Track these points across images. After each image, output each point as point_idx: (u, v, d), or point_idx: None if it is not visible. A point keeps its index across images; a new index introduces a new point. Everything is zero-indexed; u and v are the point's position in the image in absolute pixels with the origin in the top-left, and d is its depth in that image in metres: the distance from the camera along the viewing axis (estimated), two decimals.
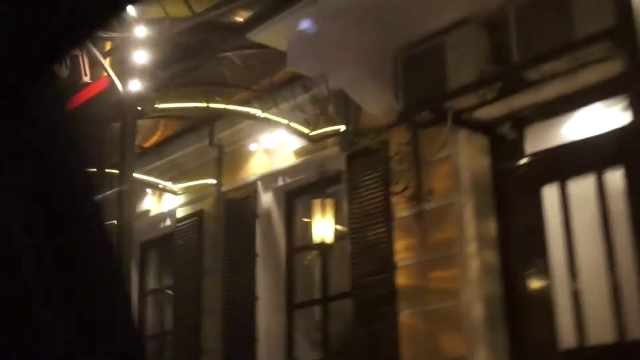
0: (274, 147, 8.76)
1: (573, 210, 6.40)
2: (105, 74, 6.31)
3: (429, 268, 6.96)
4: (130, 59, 6.25)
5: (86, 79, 6.20)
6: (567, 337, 6.21)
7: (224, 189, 9.36)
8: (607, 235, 6.12)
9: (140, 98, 6.24)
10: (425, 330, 6.83)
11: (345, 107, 7.82)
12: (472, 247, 6.68)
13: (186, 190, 9.67)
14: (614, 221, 6.11)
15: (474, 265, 6.63)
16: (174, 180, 9.58)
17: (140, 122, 7.27)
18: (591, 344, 6.06)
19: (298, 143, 8.45)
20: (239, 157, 9.28)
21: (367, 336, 7.17)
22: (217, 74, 7.43)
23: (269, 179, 8.94)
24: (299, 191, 8.91)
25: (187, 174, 9.65)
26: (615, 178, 6.17)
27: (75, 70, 6.10)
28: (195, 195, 9.66)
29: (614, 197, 6.15)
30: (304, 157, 8.51)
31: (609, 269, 6.06)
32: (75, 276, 0.82)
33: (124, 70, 6.33)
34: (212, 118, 9.10)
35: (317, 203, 7.20)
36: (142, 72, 6.24)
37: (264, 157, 8.95)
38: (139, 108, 6.30)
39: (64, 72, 5.84)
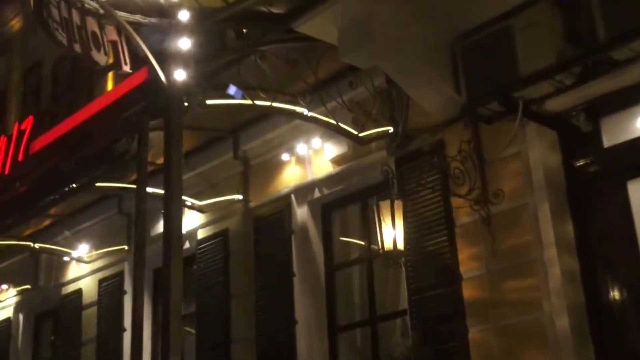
0: (308, 155, 8.27)
1: None
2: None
3: (501, 278, 6.45)
4: (173, 47, 5.74)
5: (126, 68, 5.74)
6: None
7: (252, 204, 8.82)
8: None
9: (186, 91, 5.72)
10: (502, 347, 6.29)
11: (391, 106, 7.34)
12: (551, 252, 6.17)
13: (210, 208, 9.12)
14: None
15: (554, 272, 6.11)
16: (197, 196, 9.02)
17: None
18: None
19: (335, 149, 7.96)
20: (269, 169, 8.81)
21: (432, 357, 6.60)
22: (257, 71, 6.93)
23: (303, 191, 8.44)
24: (337, 203, 8.37)
25: (209, 190, 9.12)
26: None
27: (116, 57, 5.64)
28: (219, 213, 9.11)
29: None
30: (344, 165, 8.01)
31: None
32: None
33: (165, 60, 5.79)
34: (237, 128, 8.64)
35: (385, 203, 6.60)
36: (187, 63, 5.73)
37: (297, 167, 8.45)
38: (186, 103, 5.74)
39: (102, 58, 5.42)
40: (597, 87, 6.14)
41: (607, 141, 6.36)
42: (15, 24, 14.85)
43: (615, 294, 6.08)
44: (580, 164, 6.47)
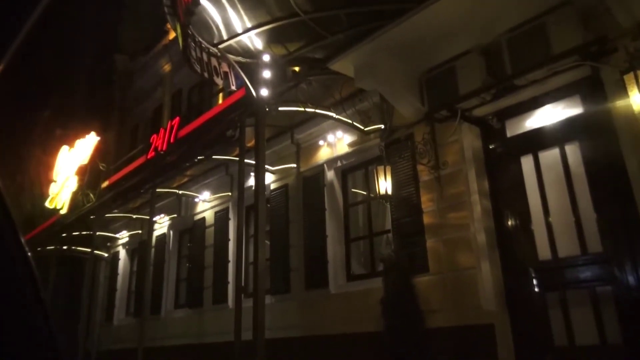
0: (334, 141, 8.15)
1: (544, 171, 5.78)
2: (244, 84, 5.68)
3: (446, 212, 6.34)
4: (260, 76, 5.63)
5: (233, 87, 5.66)
6: (543, 252, 5.59)
7: (301, 170, 8.75)
8: (569, 183, 5.52)
9: (267, 102, 5.62)
10: (446, 251, 6.20)
11: (383, 113, 7.21)
12: (475, 197, 6.07)
13: (277, 171, 9.06)
14: (573, 175, 5.51)
15: (476, 209, 6.02)
16: (271, 164, 8.95)
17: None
18: (562, 256, 5.40)
19: (350, 138, 7.86)
20: (311, 149, 8.66)
21: (405, 257, 6.52)
22: (306, 92, 6.82)
23: (331, 162, 8.29)
24: (350, 169, 8.24)
25: (278, 161, 9.06)
26: (573, 148, 5.57)
27: (226, 81, 5.54)
28: (283, 174, 9.06)
29: (572, 160, 5.57)
30: (354, 147, 7.87)
31: (572, 206, 5.44)
32: None
33: (255, 83, 5.68)
34: (293, 125, 8.56)
35: (380, 168, 6.50)
36: (267, 85, 5.62)
37: (328, 148, 8.35)
38: (267, 109, 5.65)
39: (219, 81, 5.32)
40: (504, 102, 6.01)
41: (509, 133, 6.22)
42: (167, 67, 14.82)
43: (511, 221, 5.97)
44: (493, 146, 6.34)
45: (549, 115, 5.80)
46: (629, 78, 4.71)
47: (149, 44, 15.91)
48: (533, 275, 5.55)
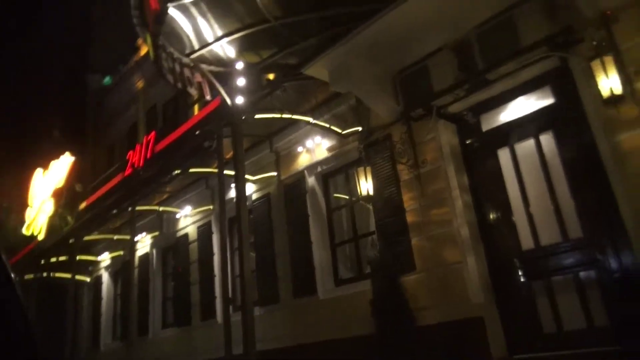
0: (313, 147, 8.16)
1: (521, 162, 5.88)
2: (219, 94, 5.65)
3: (428, 209, 6.39)
4: (234, 84, 5.62)
5: (208, 97, 5.62)
6: (526, 241, 5.67)
7: (282, 177, 8.73)
8: (545, 173, 5.62)
9: (242, 110, 5.60)
10: (431, 248, 6.24)
11: (360, 115, 7.25)
12: (455, 193, 6.14)
13: (258, 181, 9.02)
14: (549, 164, 5.60)
15: (458, 204, 6.08)
16: (252, 174, 8.91)
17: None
18: (544, 244, 5.48)
19: (328, 142, 7.88)
20: (291, 156, 8.65)
21: (390, 257, 6.54)
22: (281, 98, 6.82)
23: (312, 168, 8.30)
24: (330, 174, 8.25)
25: (258, 170, 9.02)
26: (547, 138, 5.69)
27: (200, 91, 5.51)
28: (264, 183, 9.02)
29: (547, 150, 5.67)
30: (333, 152, 7.90)
31: (550, 194, 5.55)
32: None
33: (230, 92, 5.66)
34: (271, 134, 8.54)
35: (361, 170, 6.51)
36: (242, 93, 5.61)
37: (307, 154, 8.34)
38: (243, 118, 5.63)
39: (193, 91, 5.28)
40: (478, 96, 6.09)
41: (485, 127, 6.30)
42: (140, 84, 14.69)
43: (493, 214, 6.04)
44: (469, 141, 6.41)
45: (522, 107, 5.91)
46: (595, 65, 4.83)
47: (121, 61, 15.78)
48: (518, 265, 5.62)
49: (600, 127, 4.95)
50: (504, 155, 6.03)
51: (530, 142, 5.81)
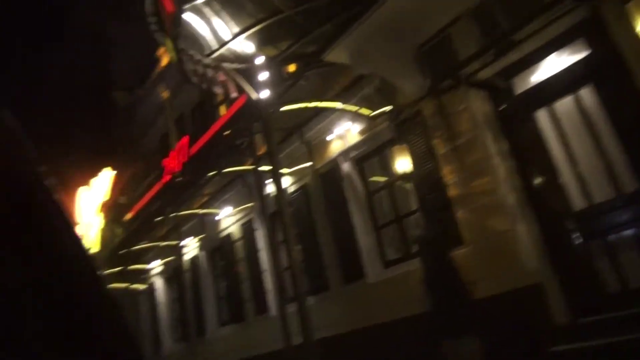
0: (344, 133, 8.08)
1: (562, 122, 5.63)
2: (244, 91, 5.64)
3: (469, 180, 6.23)
4: (258, 78, 5.60)
5: (234, 94, 5.62)
6: (577, 202, 5.44)
7: (317, 167, 8.69)
8: (590, 129, 5.35)
9: (269, 103, 5.57)
10: (477, 219, 6.11)
11: (387, 95, 7.10)
12: (496, 160, 5.96)
13: (293, 173, 9.02)
14: (593, 119, 5.34)
15: (500, 172, 5.90)
16: (287, 166, 8.91)
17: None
18: (597, 202, 5.25)
19: (359, 126, 7.78)
20: (322, 145, 8.60)
21: (437, 233, 6.41)
22: (305, 88, 6.76)
23: (345, 154, 8.24)
24: (364, 157, 8.15)
25: (292, 162, 9.02)
26: (587, 92, 5.41)
27: (225, 90, 5.52)
28: (299, 176, 9.03)
29: (589, 105, 5.41)
30: (365, 135, 7.79)
31: (598, 150, 5.27)
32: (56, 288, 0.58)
33: (254, 86, 5.65)
34: (300, 125, 8.50)
35: (395, 149, 6.43)
36: (266, 87, 5.58)
37: (339, 141, 8.27)
38: (271, 110, 5.61)
39: (219, 90, 5.30)
40: (506, 60, 5.88)
41: (518, 90, 6.06)
42: (165, 94, 14.89)
43: (538, 178, 5.83)
44: (503, 107, 6.19)
45: (555, 64, 5.64)
46: (631, 8, 4.55)
47: (144, 75, 16.04)
48: (571, 227, 5.41)
49: None
50: (542, 116, 5.79)
51: (569, 99, 5.55)
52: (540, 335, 5.11)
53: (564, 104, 5.60)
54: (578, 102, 5.47)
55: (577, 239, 5.37)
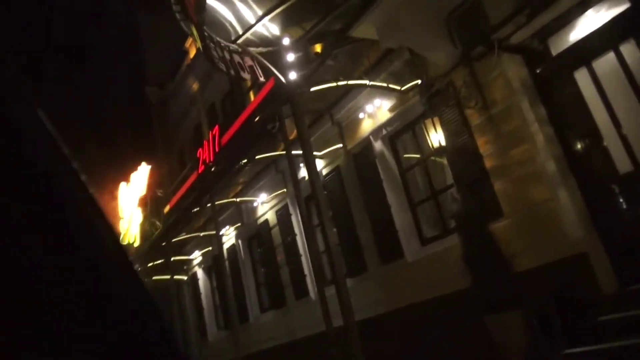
0: (374, 111, 7.96)
1: (603, 81, 5.36)
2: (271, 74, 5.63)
3: (506, 150, 6.05)
4: (284, 60, 5.56)
5: (261, 79, 5.62)
6: (623, 165, 5.19)
7: (349, 147, 8.62)
8: (634, 86, 5.06)
9: (297, 84, 5.54)
10: (516, 190, 5.92)
11: (417, 68, 6.95)
12: (534, 127, 5.75)
13: (325, 156, 8.99)
14: (637, 76, 5.05)
15: (539, 139, 5.70)
16: (318, 149, 8.88)
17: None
18: None
19: (389, 103, 7.65)
20: (353, 125, 8.50)
21: (474, 207, 6.28)
22: (333, 67, 6.68)
23: (376, 132, 8.12)
24: (397, 134, 8.02)
25: (324, 145, 8.98)
26: (629, 47, 5.12)
27: (253, 74, 5.51)
28: (332, 157, 8.99)
29: (632, 61, 5.12)
30: (395, 111, 7.64)
31: None
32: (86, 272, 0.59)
33: (281, 69, 5.62)
34: (330, 106, 8.43)
35: (428, 123, 6.30)
36: (294, 68, 5.55)
37: (369, 120, 8.16)
38: (300, 92, 5.58)
39: (246, 76, 5.29)
40: (540, 20, 5.63)
41: (554, 51, 5.82)
42: (195, 86, 15.10)
43: (580, 143, 5.61)
44: (540, 70, 5.96)
45: (593, 20, 5.37)
46: None
47: (174, 69, 16.29)
48: (617, 191, 5.18)
49: None
50: (582, 77, 5.54)
51: (609, 56, 5.28)
52: (586, 306, 4.94)
53: (605, 62, 5.33)
54: (620, 59, 5.20)
55: (623, 204, 5.14)
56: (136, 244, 12.24)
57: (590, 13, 5.39)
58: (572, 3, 5.38)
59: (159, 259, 12.83)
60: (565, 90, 5.69)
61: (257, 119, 6.29)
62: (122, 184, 13.81)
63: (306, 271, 9.92)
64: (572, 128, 5.65)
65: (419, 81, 6.92)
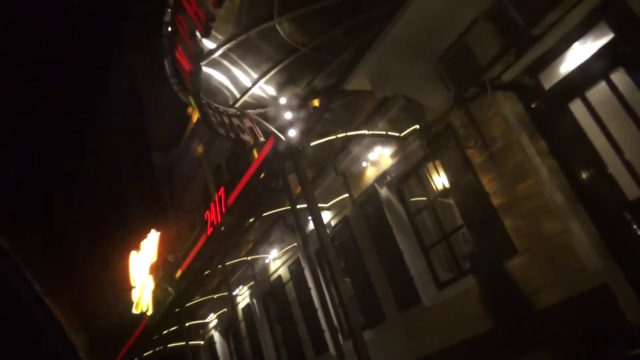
0: (377, 159, 8.05)
1: (599, 110, 5.41)
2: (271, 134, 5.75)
3: (512, 186, 6.04)
4: (283, 119, 5.70)
5: (262, 139, 5.73)
6: (631, 191, 5.15)
7: (355, 197, 8.64)
8: (630, 113, 5.11)
9: (298, 142, 5.65)
10: (528, 225, 5.87)
11: (413, 113, 7.07)
12: (537, 161, 5.76)
13: (332, 207, 9.01)
14: (631, 102, 5.12)
15: (543, 172, 5.70)
16: (325, 201, 8.93)
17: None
18: None
19: (390, 150, 7.74)
20: (358, 174, 8.58)
21: (487, 246, 6.21)
22: (331, 119, 6.83)
23: (381, 179, 8.18)
24: (401, 180, 8.07)
25: (330, 196, 9.03)
26: (620, 76, 5.20)
27: (253, 135, 5.63)
28: (339, 208, 9.01)
29: (623, 88, 5.19)
30: (397, 157, 7.73)
31: None
32: None
33: (281, 127, 5.74)
34: (332, 157, 8.53)
35: (430, 166, 6.35)
36: (292, 125, 5.67)
37: (373, 167, 8.24)
38: (300, 149, 5.67)
39: (247, 138, 5.41)
40: (529, 57, 5.74)
41: (547, 85, 5.89)
42: (199, 149, 15.39)
43: (584, 173, 5.59)
44: (535, 105, 6.02)
45: (581, 52, 5.48)
46: None
47: (178, 133, 16.67)
48: (630, 218, 5.11)
49: None
50: (577, 107, 5.59)
51: (602, 86, 5.35)
52: (615, 338, 4.77)
53: (598, 92, 5.40)
54: (612, 87, 5.27)
55: (637, 230, 5.06)
56: (149, 312, 12.09)
57: (576, 46, 5.51)
58: (556, 38, 5.52)
59: (174, 326, 12.63)
60: (562, 122, 5.74)
61: (261, 176, 6.36)
62: (133, 253, 13.84)
63: (324, 326, 9.71)
64: (574, 158, 5.65)
65: (417, 126, 7.02)
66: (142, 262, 13.00)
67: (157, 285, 11.68)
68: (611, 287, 5.06)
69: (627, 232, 5.14)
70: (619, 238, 5.20)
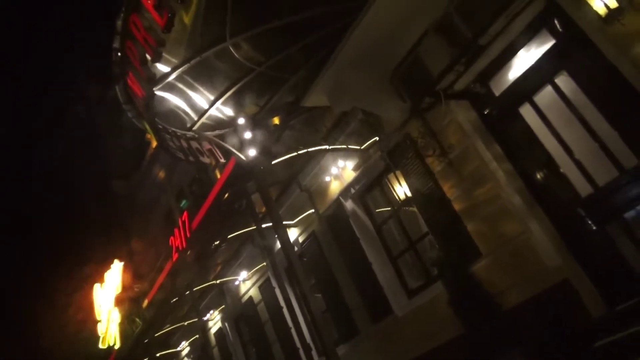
0: (339, 172, 8.09)
1: (547, 113, 5.66)
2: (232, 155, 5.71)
3: (472, 191, 6.18)
4: (243, 139, 5.68)
5: (222, 160, 5.68)
6: (583, 188, 5.38)
7: (321, 212, 8.65)
8: (576, 114, 5.35)
9: (258, 160, 5.62)
10: (489, 228, 6.01)
11: (373, 126, 7.18)
12: (493, 165, 5.93)
13: (299, 223, 8.99)
14: (577, 104, 5.36)
15: (499, 175, 5.88)
16: (290, 218, 8.90)
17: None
18: (603, 184, 5.18)
19: (352, 163, 7.80)
20: (322, 189, 8.59)
21: (452, 251, 6.33)
22: (291, 137, 6.85)
23: (345, 192, 8.22)
24: (365, 191, 8.13)
25: (296, 213, 9.00)
26: (564, 79, 5.46)
27: (213, 157, 5.57)
28: (306, 224, 8.99)
29: (568, 90, 5.45)
30: (360, 169, 7.78)
31: (590, 133, 5.23)
32: None
33: (241, 147, 5.72)
34: (295, 174, 8.53)
35: (392, 177, 6.42)
36: (252, 144, 5.65)
37: (336, 181, 8.28)
38: (262, 168, 5.64)
39: (207, 160, 5.35)
40: (478, 66, 5.97)
41: (497, 92, 6.12)
42: (161, 174, 15.12)
43: (538, 174, 5.80)
44: (487, 111, 6.23)
45: (526, 59, 5.72)
46: None
47: (138, 159, 16.33)
48: (584, 214, 5.32)
49: (612, 47, 4.73)
50: (527, 111, 5.82)
51: (548, 90, 5.59)
52: (580, 333, 4.91)
53: (545, 96, 5.63)
54: (557, 90, 5.50)
55: (592, 225, 5.26)
56: (117, 346, 11.67)
57: (521, 53, 5.75)
58: (501, 47, 5.74)
59: (144, 358, 12.22)
60: (514, 126, 5.94)
61: (225, 197, 6.30)
62: (96, 285, 13.37)
63: (298, 344, 9.59)
64: (528, 161, 5.86)
65: (377, 138, 7.12)
66: (107, 294, 12.58)
67: (123, 317, 11.30)
68: (572, 282, 5.23)
69: (582, 227, 5.34)
70: (575, 234, 5.40)
